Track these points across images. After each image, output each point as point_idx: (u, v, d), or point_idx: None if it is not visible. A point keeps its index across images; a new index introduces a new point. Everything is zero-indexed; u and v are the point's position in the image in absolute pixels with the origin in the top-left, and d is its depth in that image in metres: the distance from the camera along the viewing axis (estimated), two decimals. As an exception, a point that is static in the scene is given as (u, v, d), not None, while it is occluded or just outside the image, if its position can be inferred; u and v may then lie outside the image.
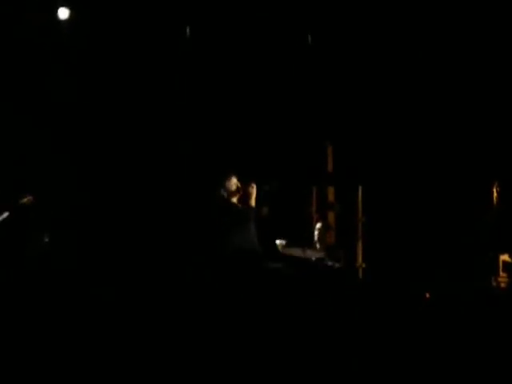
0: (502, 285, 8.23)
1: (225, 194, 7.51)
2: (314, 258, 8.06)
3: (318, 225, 8.49)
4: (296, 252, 8.00)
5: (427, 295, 7.85)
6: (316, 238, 8.35)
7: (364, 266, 9.22)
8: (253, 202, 7.38)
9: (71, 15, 9.09)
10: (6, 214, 7.97)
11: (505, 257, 8.34)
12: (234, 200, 7.52)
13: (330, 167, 10.24)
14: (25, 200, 8.04)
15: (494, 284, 8.15)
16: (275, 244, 7.76)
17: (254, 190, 7.38)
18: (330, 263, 7.92)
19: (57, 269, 7.68)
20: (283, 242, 8.01)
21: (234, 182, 7.51)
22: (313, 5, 9.18)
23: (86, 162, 9.59)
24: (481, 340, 6.25)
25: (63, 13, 9.07)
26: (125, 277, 7.82)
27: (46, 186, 9.08)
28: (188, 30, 9.41)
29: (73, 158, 9.52)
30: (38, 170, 9.32)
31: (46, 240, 8.54)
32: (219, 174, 7.74)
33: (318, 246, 8.28)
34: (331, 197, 10.17)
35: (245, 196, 7.42)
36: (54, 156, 9.44)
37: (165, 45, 9.53)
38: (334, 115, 9.76)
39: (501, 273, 8.34)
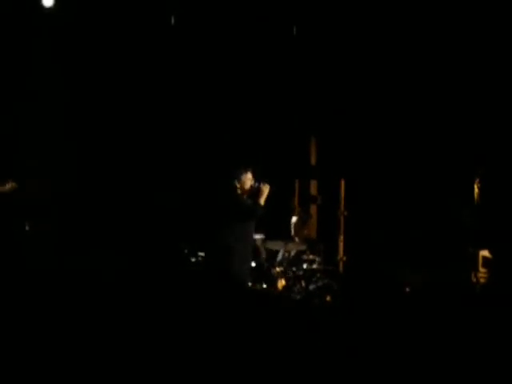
0: (482, 280, 8.29)
1: (238, 187, 7.44)
2: (294, 252, 8.08)
3: (294, 218, 8.47)
4: (277, 245, 8.01)
5: (407, 289, 7.89)
6: (292, 231, 8.34)
7: (345, 259, 9.25)
8: (262, 201, 7.32)
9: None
10: None
11: (484, 252, 8.39)
12: (245, 195, 7.47)
13: (313, 160, 10.26)
14: (6, 187, 7.50)
15: (474, 279, 8.20)
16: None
17: (266, 190, 7.31)
18: (311, 257, 7.95)
19: (38, 261, 7.59)
20: (262, 236, 7.99)
21: (249, 178, 7.43)
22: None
23: (72, 149, 9.53)
24: (460, 333, 6.30)
25: (48, 0, 9.02)
26: (117, 266, 7.78)
27: (28, 173, 8.96)
28: (173, 19, 9.36)
29: (58, 144, 9.46)
30: (21, 156, 9.20)
31: (27, 228, 8.42)
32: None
33: (296, 239, 8.27)
34: (314, 190, 10.19)
35: (256, 193, 7.35)
36: (39, 141, 9.36)
37: (150, 35, 9.48)
38: (318, 108, 9.76)
39: (480, 268, 8.39)
